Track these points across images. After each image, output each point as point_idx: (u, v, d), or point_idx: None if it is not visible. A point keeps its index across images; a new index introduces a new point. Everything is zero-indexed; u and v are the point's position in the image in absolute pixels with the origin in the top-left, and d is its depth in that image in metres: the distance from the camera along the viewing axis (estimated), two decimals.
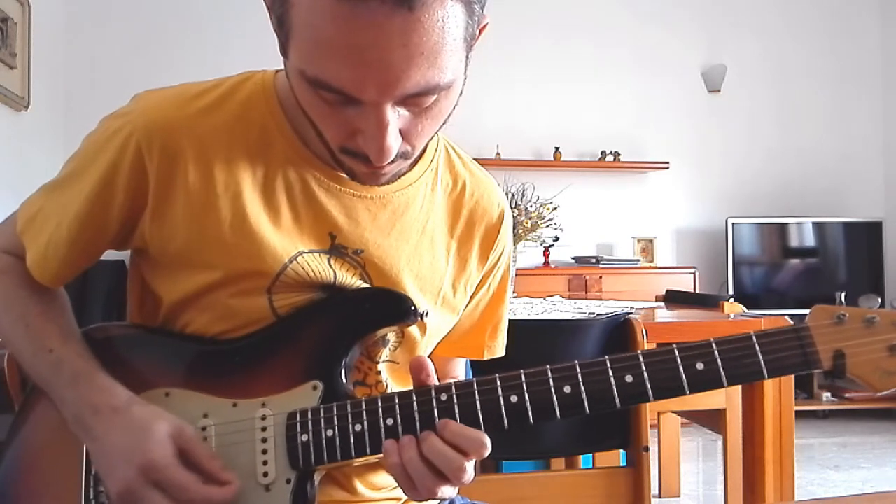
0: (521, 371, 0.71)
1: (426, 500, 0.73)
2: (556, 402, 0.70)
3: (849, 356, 0.67)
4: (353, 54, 0.61)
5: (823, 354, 0.67)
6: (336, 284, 0.81)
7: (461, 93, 0.71)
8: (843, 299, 0.69)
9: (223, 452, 0.75)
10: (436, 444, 0.70)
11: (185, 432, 0.73)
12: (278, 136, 0.80)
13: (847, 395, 4.10)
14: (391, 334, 0.85)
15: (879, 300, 0.68)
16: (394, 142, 0.67)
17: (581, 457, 2.26)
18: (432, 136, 0.74)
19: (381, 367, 0.86)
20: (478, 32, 0.69)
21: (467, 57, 0.68)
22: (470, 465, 0.70)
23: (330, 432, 0.73)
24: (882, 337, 0.67)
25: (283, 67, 0.74)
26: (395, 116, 0.66)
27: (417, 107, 0.67)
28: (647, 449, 1.59)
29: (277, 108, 0.80)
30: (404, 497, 0.87)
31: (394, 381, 0.87)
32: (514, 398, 0.70)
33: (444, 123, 0.73)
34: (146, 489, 0.70)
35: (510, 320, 1.00)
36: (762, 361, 0.68)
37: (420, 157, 0.84)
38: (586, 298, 3.22)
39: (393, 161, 0.70)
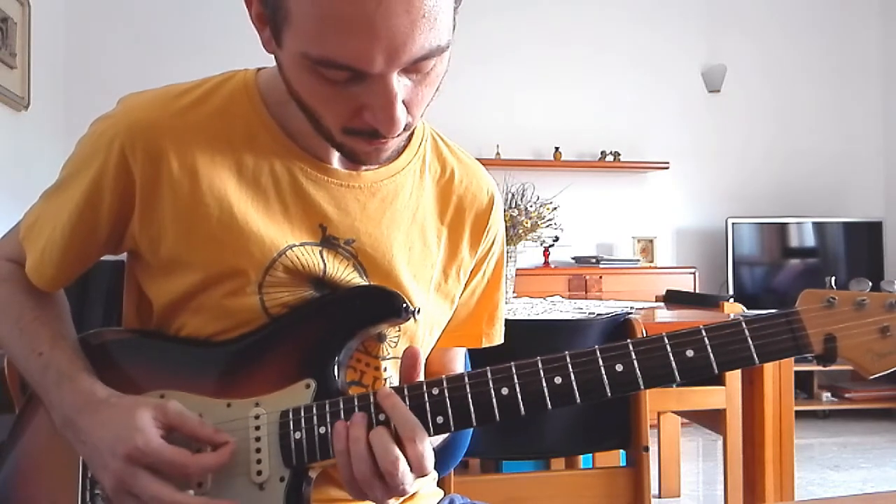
0: (512, 363, 0.71)
1: (361, 500, 0.72)
2: (546, 393, 0.70)
3: (840, 339, 0.67)
4: (360, 25, 0.62)
5: (814, 338, 0.67)
6: (326, 276, 0.81)
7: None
8: (833, 283, 0.68)
9: None
10: (380, 432, 0.70)
11: (168, 409, 0.72)
12: (262, 131, 0.80)
13: (847, 395, 4.10)
14: (388, 330, 0.85)
15: (870, 283, 0.68)
16: (402, 112, 0.69)
17: (581, 457, 2.26)
18: (427, 105, 0.75)
19: (387, 363, 0.85)
20: None
21: (454, 19, 0.70)
22: (405, 466, 0.68)
23: (323, 429, 0.72)
24: (872, 319, 0.66)
25: (263, 66, 0.75)
26: (400, 87, 0.68)
27: (419, 73, 0.69)
28: (647, 449, 1.59)
29: (260, 104, 0.81)
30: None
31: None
32: (504, 390, 0.70)
33: (437, 91, 0.74)
34: (136, 477, 0.70)
35: (510, 320, 1.00)
36: (752, 346, 0.67)
37: (406, 144, 0.85)
38: (586, 298, 3.22)
39: (399, 134, 0.71)
